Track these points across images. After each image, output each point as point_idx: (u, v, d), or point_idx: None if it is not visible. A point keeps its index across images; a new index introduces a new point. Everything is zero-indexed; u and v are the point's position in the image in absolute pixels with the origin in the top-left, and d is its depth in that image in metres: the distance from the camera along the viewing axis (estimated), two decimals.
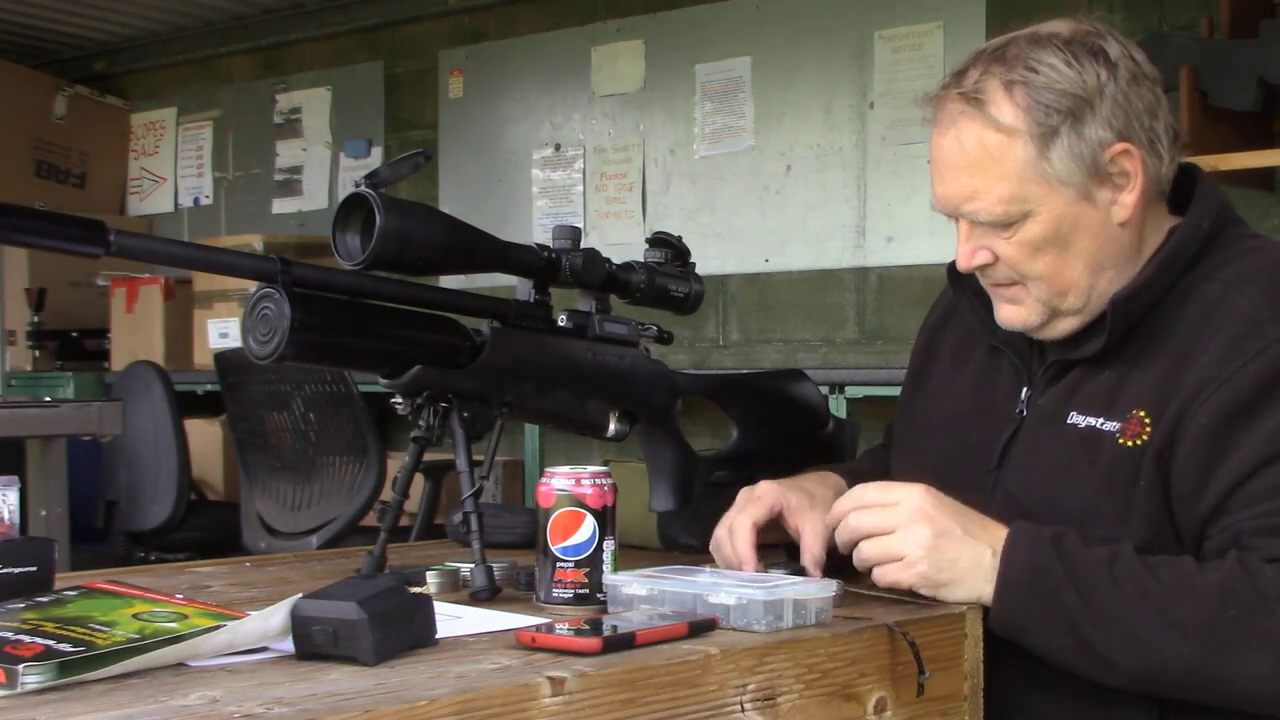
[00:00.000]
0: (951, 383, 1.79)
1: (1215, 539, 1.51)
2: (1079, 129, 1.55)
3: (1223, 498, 1.51)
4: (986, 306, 1.71)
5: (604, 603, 1.48)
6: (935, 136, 1.61)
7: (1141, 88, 1.59)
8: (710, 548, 1.69)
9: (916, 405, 1.83)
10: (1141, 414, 1.56)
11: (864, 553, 1.55)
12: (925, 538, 1.51)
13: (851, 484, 1.70)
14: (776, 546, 1.72)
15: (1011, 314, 1.65)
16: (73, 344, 6.41)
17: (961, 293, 1.76)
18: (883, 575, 1.53)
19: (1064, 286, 1.60)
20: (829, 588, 1.45)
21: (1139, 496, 1.54)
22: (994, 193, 1.56)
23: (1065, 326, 1.63)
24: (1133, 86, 1.58)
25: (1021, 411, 1.68)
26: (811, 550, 1.64)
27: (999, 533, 1.53)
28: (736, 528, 1.65)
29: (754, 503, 1.67)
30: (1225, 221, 1.65)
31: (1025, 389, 1.69)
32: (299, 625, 1.23)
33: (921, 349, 1.87)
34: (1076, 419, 1.61)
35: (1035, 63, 1.56)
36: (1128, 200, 1.59)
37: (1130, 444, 1.55)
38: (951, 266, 1.76)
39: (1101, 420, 1.59)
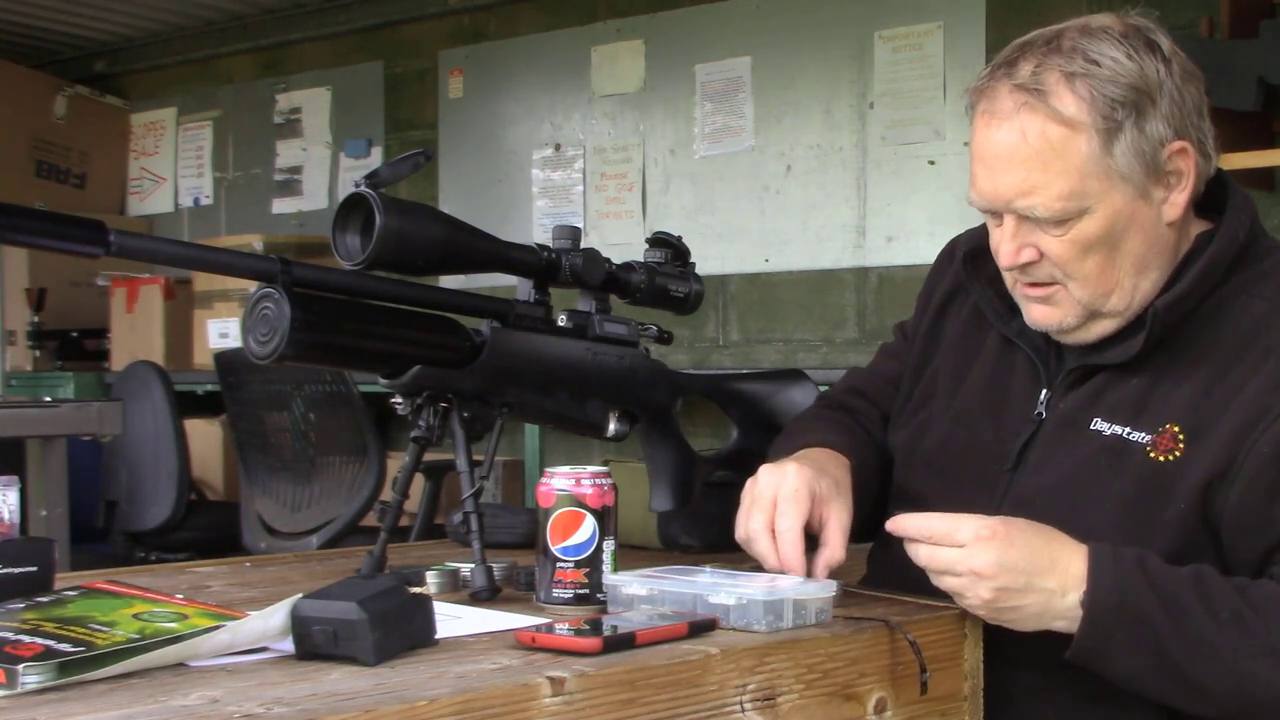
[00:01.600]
0: (960, 373, 1.73)
1: None
2: (1142, 124, 1.51)
3: None
4: (1000, 294, 1.67)
5: (604, 603, 1.48)
6: (985, 129, 1.55)
7: (1191, 85, 1.55)
8: (743, 539, 1.58)
9: (918, 390, 1.78)
10: (1175, 429, 1.51)
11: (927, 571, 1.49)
12: (988, 591, 1.44)
13: (856, 469, 1.67)
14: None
15: (1045, 315, 1.59)
16: (73, 344, 6.41)
17: (974, 279, 1.71)
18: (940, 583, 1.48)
19: (1109, 287, 1.55)
20: (829, 588, 1.45)
21: (1174, 518, 1.50)
22: (1054, 188, 1.51)
23: (1101, 329, 1.59)
24: (1185, 83, 1.54)
25: (1040, 414, 1.63)
26: (835, 551, 1.56)
27: (1072, 564, 1.45)
28: (785, 531, 1.54)
29: (795, 502, 1.55)
30: (1257, 232, 1.61)
31: (1044, 390, 1.64)
32: (299, 625, 1.23)
33: (925, 332, 1.80)
34: (1101, 425, 1.56)
35: (1096, 54, 1.51)
36: (1179, 200, 1.55)
37: (1163, 459, 1.51)
38: (968, 253, 1.70)
39: (1129, 430, 1.54)
